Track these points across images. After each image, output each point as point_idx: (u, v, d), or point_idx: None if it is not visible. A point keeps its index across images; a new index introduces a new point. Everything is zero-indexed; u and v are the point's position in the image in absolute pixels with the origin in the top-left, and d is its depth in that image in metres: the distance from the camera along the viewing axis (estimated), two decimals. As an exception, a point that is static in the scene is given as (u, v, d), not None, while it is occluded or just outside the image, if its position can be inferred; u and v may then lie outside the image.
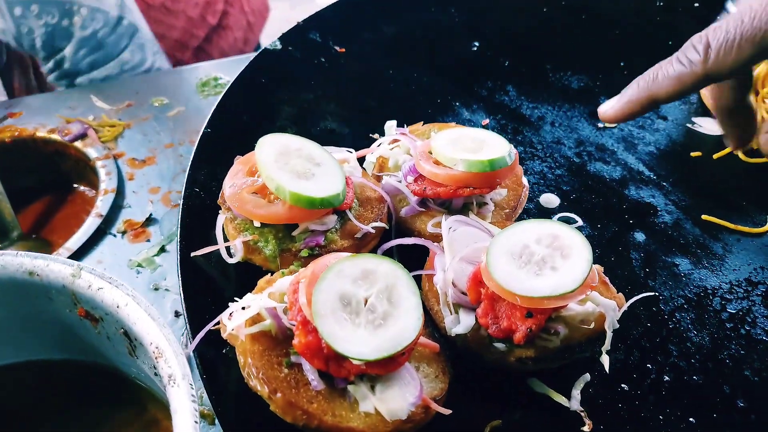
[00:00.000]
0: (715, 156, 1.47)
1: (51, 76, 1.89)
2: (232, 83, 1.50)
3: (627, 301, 1.01)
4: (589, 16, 1.92)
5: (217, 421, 0.89)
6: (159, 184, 1.51)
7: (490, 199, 1.17)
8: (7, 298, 0.89)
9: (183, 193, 1.20)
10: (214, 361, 0.93)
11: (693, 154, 1.48)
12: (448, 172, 1.10)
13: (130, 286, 0.84)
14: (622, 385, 1.00)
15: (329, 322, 0.79)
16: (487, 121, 1.54)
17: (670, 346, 1.07)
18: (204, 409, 1.05)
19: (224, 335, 0.88)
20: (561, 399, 0.96)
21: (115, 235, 1.39)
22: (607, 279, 1.04)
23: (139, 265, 1.33)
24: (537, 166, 1.43)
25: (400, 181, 1.18)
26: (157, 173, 1.54)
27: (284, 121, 1.46)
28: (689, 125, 1.57)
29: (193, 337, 0.92)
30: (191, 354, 0.92)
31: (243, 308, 0.87)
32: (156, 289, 1.28)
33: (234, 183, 1.07)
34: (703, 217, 1.31)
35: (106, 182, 1.50)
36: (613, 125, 1.55)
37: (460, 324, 0.96)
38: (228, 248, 1.06)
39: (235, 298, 0.90)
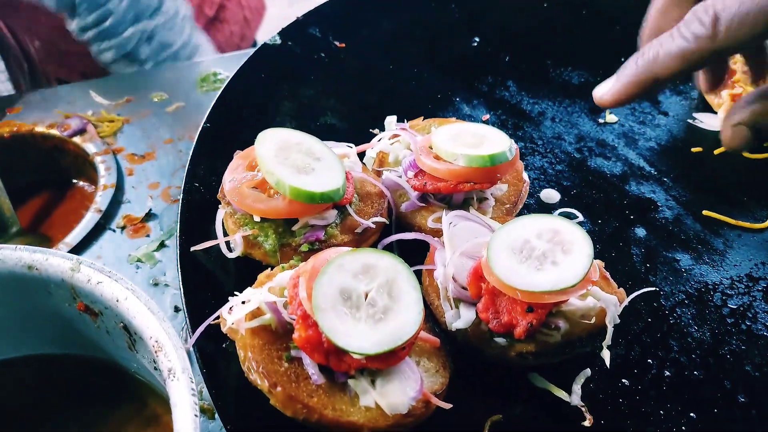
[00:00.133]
0: (716, 152, 1.47)
1: (89, 34, 1.85)
2: (231, 78, 1.50)
3: (628, 296, 1.01)
4: (590, 11, 1.92)
5: (217, 415, 0.89)
6: (158, 180, 1.51)
7: (491, 194, 1.17)
8: (6, 293, 0.89)
9: (183, 187, 1.20)
10: (214, 355, 0.93)
11: (694, 149, 1.48)
12: (448, 167, 1.09)
13: (129, 280, 0.84)
14: (623, 380, 1.00)
15: (330, 316, 0.79)
16: (487, 116, 1.54)
17: (670, 341, 1.07)
18: (204, 404, 1.05)
19: (224, 329, 0.88)
20: (562, 394, 0.96)
21: (114, 231, 1.39)
22: (607, 274, 1.04)
23: (139, 261, 1.32)
24: (537, 161, 1.42)
25: (400, 176, 1.17)
26: (157, 169, 1.54)
27: (284, 117, 1.45)
28: (690, 121, 1.56)
29: (193, 332, 0.91)
30: (191, 349, 0.91)
31: (243, 302, 0.87)
32: (155, 285, 1.28)
33: (234, 177, 1.07)
34: (704, 212, 1.31)
35: (106, 177, 1.49)
36: (614, 121, 1.54)
37: (460, 319, 0.95)
38: (228, 243, 1.06)
39: (235, 293, 0.90)
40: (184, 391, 0.72)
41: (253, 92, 1.50)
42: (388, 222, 1.13)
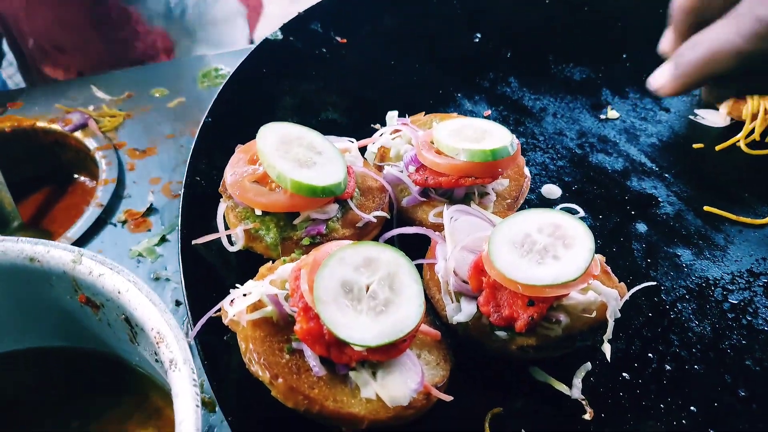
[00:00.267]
0: (717, 148, 1.47)
1: None
2: (233, 73, 1.50)
3: (629, 290, 1.01)
4: (591, 8, 1.92)
5: (218, 408, 0.89)
6: (159, 175, 1.51)
7: (492, 189, 1.17)
8: (8, 285, 0.89)
9: (184, 181, 1.20)
10: (215, 348, 0.93)
11: (695, 145, 1.48)
12: (449, 162, 1.09)
13: (130, 272, 0.84)
14: (624, 374, 1.00)
15: (331, 308, 0.79)
16: (489, 112, 1.54)
17: (671, 335, 1.07)
18: (205, 397, 1.05)
19: (225, 321, 0.88)
20: (562, 387, 0.96)
21: (115, 225, 1.39)
22: (608, 269, 1.04)
23: (140, 255, 1.32)
24: (539, 157, 1.42)
25: (401, 171, 1.17)
26: (158, 164, 1.54)
27: (285, 112, 1.45)
28: (691, 117, 1.56)
29: (194, 325, 0.91)
30: (192, 341, 0.92)
31: (244, 295, 0.87)
32: (156, 279, 1.28)
33: (235, 171, 1.07)
34: (705, 208, 1.31)
35: (107, 172, 1.49)
36: (616, 117, 1.55)
37: (461, 312, 0.96)
38: (229, 236, 1.06)
39: (237, 285, 0.90)
40: (185, 382, 0.72)
41: (255, 87, 1.50)
42: (389, 216, 1.13)
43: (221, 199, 1.10)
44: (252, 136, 1.07)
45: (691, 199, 1.34)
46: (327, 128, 1.40)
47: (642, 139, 1.49)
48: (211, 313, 0.89)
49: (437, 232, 1.05)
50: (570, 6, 1.92)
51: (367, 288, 0.83)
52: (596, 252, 0.93)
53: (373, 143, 1.27)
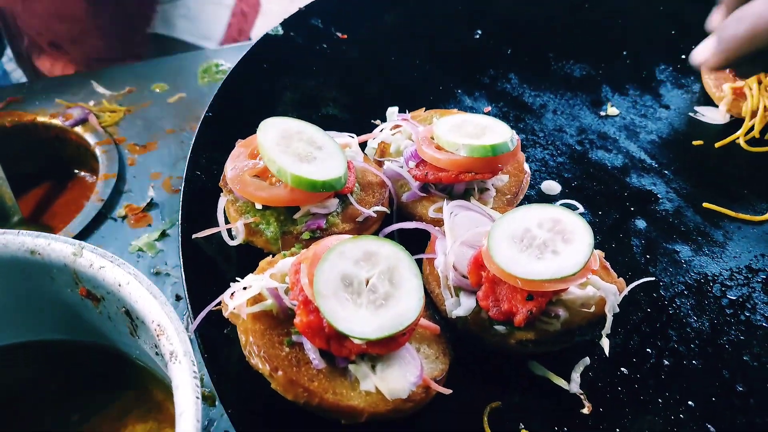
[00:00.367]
0: (716, 145, 1.47)
1: None
2: (233, 69, 1.50)
3: (627, 286, 1.01)
4: (592, 4, 1.92)
5: (218, 402, 0.90)
6: (160, 170, 1.51)
7: (492, 184, 1.17)
8: (9, 278, 0.89)
9: (184, 175, 1.20)
10: (215, 341, 0.93)
11: (695, 142, 1.48)
12: (450, 157, 1.09)
13: (131, 265, 0.84)
14: (622, 369, 1.01)
15: (331, 301, 0.79)
16: (489, 108, 1.54)
17: (669, 331, 1.07)
18: (205, 391, 1.06)
19: (226, 314, 0.88)
20: (561, 382, 0.96)
21: (115, 220, 1.39)
22: (607, 264, 1.04)
23: (140, 250, 1.33)
24: (539, 153, 1.43)
25: (401, 167, 1.18)
26: (158, 159, 1.54)
27: (286, 107, 1.45)
28: (691, 114, 1.56)
29: (194, 319, 0.92)
30: (193, 335, 0.92)
31: (244, 288, 0.87)
32: (157, 274, 1.28)
33: (235, 165, 1.07)
34: (704, 204, 1.31)
35: (107, 167, 1.50)
36: (616, 114, 1.55)
37: (460, 306, 0.96)
38: (229, 230, 1.06)
39: (237, 279, 0.90)
40: (185, 374, 0.72)
41: (255, 83, 1.50)
42: (389, 211, 1.13)
43: (222, 194, 1.10)
44: (252, 131, 1.07)
45: (690, 196, 1.34)
46: (327, 123, 1.40)
47: (642, 136, 1.49)
48: (211, 306, 0.90)
49: (437, 227, 1.05)
50: (570, 3, 1.92)
51: (367, 282, 0.83)
52: (595, 247, 0.93)
53: (374, 138, 1.27)
